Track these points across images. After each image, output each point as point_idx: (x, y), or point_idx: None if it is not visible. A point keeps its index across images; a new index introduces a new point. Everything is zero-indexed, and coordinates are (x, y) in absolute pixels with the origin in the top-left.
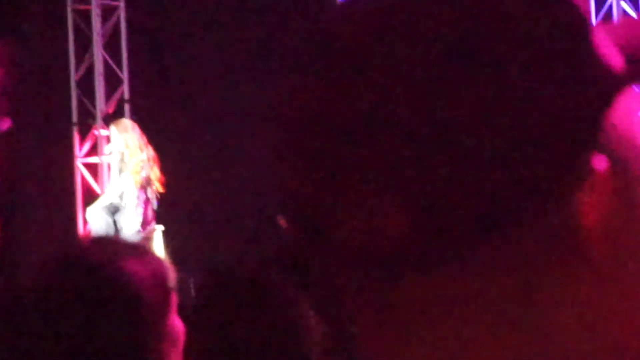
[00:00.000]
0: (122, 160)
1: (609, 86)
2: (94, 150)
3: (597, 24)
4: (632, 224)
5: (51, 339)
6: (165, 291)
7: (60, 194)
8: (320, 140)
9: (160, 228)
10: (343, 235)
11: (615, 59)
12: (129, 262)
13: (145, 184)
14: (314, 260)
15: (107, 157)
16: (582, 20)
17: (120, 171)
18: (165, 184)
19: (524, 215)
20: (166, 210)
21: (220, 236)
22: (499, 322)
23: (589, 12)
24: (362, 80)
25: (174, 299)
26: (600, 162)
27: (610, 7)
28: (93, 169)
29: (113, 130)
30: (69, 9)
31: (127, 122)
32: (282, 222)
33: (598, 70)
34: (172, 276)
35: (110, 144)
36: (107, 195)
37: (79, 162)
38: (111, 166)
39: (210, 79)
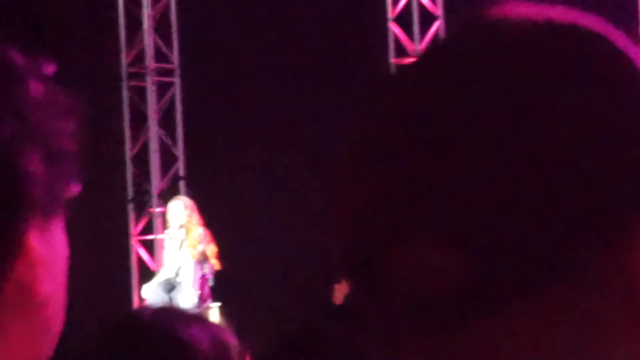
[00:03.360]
0: (180, 236)
1: None
2: (149, 227)
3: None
4: None
5: None
6: (227, 359)
7: (116, 271)
8: (376, 185)
9: (216, 305)
10: (397, 280)
11: None
12: (190, 328)
13: (202, 260)
14: (371, 311)
15: (163, 234)
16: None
17: (180, 247)
18: (221, 261)
19: (578, 264)
20: (222, 287)
21: (277, 311)
22: None
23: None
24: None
25: None
26: None
27: None
28: (148, 245)
29: (173, 205)
30: (124, 86)
31: (185, 199)
32: (336, 287)
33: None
34: (234, 345)
35: (169, 221)
36: (164, 272)
37: (134, 240)
38: (168, 243)
39: (261, 157)
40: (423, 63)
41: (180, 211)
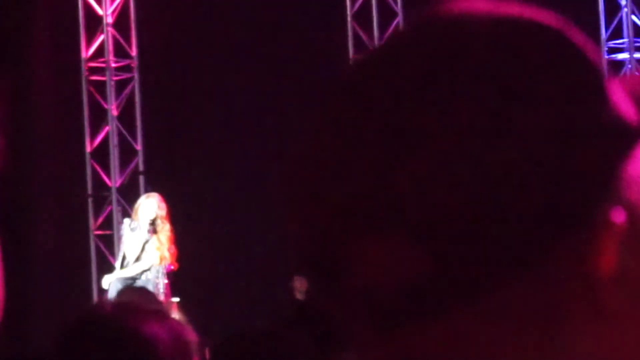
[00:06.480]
0: (148, 232)
1: (623, 137)
2: (108, 222)
3: (611, 77)
4: None
5: None
6: (186, 355)
7: (76, 266)
8: (333, 183)
9: (175, 300)
10: (356, 278)
11: (629, 110)
12: (150, 324)
13: (166, 258)
14: (328, 309)
15: (122, 228)
16: (596, 70)
17: (145, 243)
18: (179, 257)
19: (541, 263)
20: (181, 283)
21: (237, 308)
22: None
23: (601, 60)
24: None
25: None
26: (617, 215)
27: (620, 19)
28: (108, 240)
29: (147, 202)
30: (83, 80)
31: (157, 196)
32: (296, 283)
33: (612, 120)
34: (194, 341)
35: (138, 213)
36: (128, 265)
37: (93, 235)
38: (129, 235)
39: (221, 152)
40: (385, 58)
41: (154, 208)
